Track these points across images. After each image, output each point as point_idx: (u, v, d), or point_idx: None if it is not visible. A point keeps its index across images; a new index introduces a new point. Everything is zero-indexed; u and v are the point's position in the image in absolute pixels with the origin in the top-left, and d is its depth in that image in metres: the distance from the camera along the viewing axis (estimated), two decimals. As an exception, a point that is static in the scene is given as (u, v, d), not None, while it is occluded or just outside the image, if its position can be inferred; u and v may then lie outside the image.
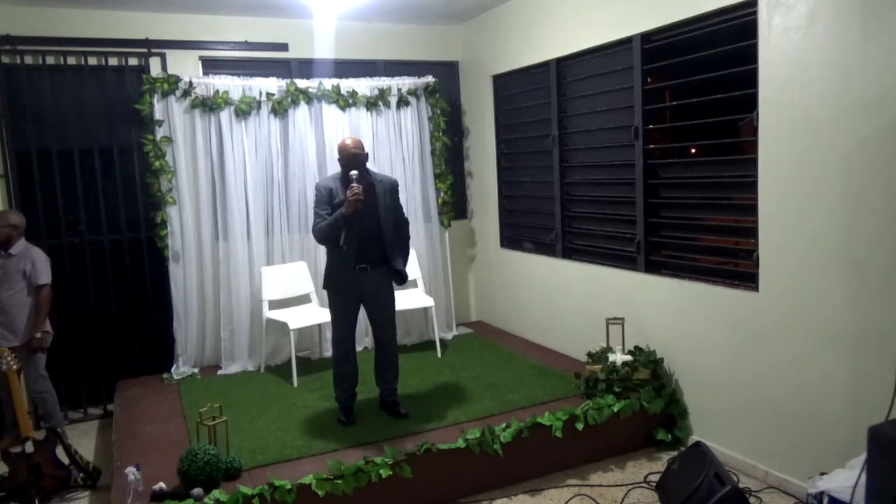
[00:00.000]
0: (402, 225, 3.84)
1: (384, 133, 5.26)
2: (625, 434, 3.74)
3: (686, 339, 3.78)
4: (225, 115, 4.74)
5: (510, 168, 5.45)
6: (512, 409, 3.78)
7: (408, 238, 3.90)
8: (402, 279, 3.78)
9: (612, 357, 3.93)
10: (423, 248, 5.40)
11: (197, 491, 2.94)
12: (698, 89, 3.60)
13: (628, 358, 3.91)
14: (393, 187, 3.77)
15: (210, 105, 4.69)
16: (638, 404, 3.73)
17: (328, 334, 4.15)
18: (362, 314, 3.92)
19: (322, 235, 3.64)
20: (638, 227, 4.05)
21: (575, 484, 3.47)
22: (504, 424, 3.50)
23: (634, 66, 3.93)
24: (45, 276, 3.93)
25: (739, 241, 3.53)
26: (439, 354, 4.95)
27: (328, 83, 5.04)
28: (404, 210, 4.02)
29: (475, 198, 5.92)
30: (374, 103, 5.19)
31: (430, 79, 5.41)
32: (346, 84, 5.11)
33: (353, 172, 3.52)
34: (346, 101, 5.08)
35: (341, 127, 5.07)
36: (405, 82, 5.31)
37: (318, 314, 4.70)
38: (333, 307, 3.78)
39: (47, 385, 4.04)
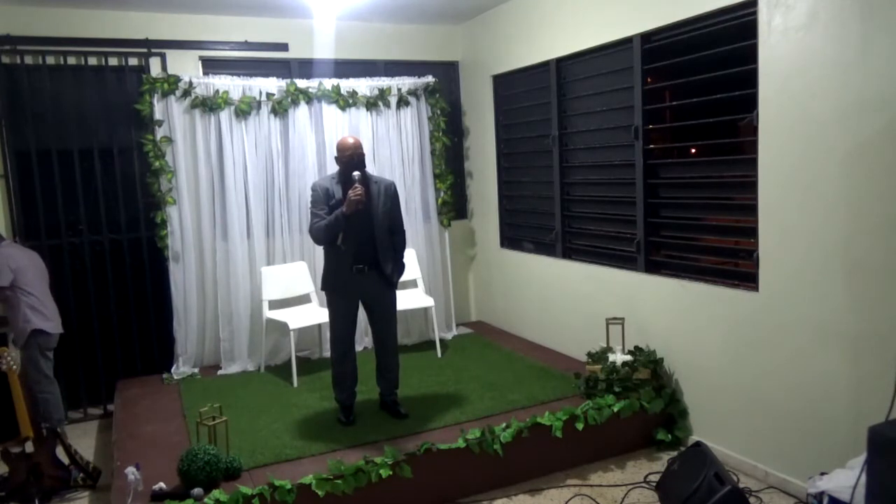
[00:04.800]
0: (397, 235, 3.79)
1: (384, 133, 5.26)
2: (625, 434, 3.74)
3: (686, 340, 3.78)
4: (225, 115, 4.74)
5: (510, 168, 5.45)
6: (512, 409, 3.78)
7: (401, 248, 3.84)
8: (389, 282, 3.75)
9: (612, 357, 3.93)
10: (422, 248, 5.40)
11: (197, 491, 2.94)
12: (698, 89, 3.60)
13: (628, 358, 3.91)
14: (390, 191, 3.74)
15: (210, 105, 4.69)
16: (638, 404, 3.73)
17: (328, 334, 4.16)
18: (361, 314, 3.92)
19: (320, 235, 3.62)
20: (638, 227, 4.05)
21: (575, 484, 3.47)
22: (504, 424, 3.50)
23: (634, 66, 3.93)
24: None
25: (739, 241, 3.53)
26: (439, 354, 4.95)
27: (328, 83, 5.04)
28: (404, 214, 3.99)
29: (475, 198, 5.92)
30: (374, 103, 5.19)
31: (430, 79, 5.41)
32: (346, 84, 5.11)
33: (356, 173, 3.51)
34: (346, 101, 5.08)
35: (341, 127, 5.07)
36: (405, 82, 5.31)
37: (318, 314, 4.70)
38: (332, 307, 3.78)
39: (51, 386, 4.03)
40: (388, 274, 3.70)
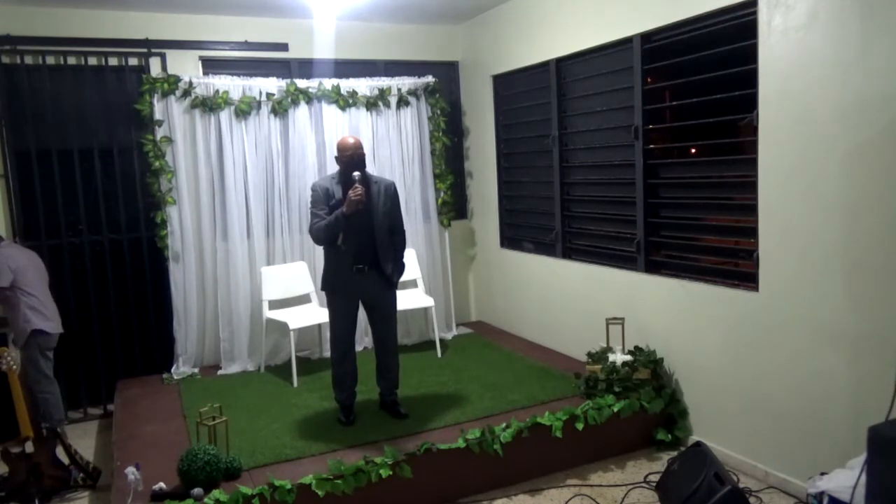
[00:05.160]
0: (397, 235, 3.79)
1: (384, 133, 5.26)
2: (625, 434, 3.74)
3: (686, 339, 3.78)
4: (225, 115, 4.74)
5: (510, 168, 5.45)
6: (512, 409, 3.78)
7: (401, 248, 3.84)
8: (389, 282, 3.75)
9: (612, 357, 3.93)
10: (422, 248, 5.40)
11: (197, 491, 2.94)
12: (698, 89, 3.60)
13: (628, 358, 3.91)
14: (390, 191, 3.74)
15: (210, 105, 4.69)
16: (638, 404, 3.73)
17: (328, 334, 4.16)
18: (362, 314, 3.92)
19: (320, 235, 3.62)
20: (638, 227, 4.05)
21: (575, 484, 3.47)
22: (504, 424, 3.50)
23: (634, 66, 3.93)
24: None
25: (739, 241, 3.53)
26: (439, 354, 4.95)
27: (328, 83, 5.04)
28: (404, 214, 3.99)
29: (475, 198, 5.92)
30: (374, 103, 5.19)
31: (430, 79, 5.41)
32: (346, 84, 5.11)
33: (356, 174, 3.51)
34: (346, 101, 5.08)
35: (341, 127, 5.07)
36: (405, 82, 5.31)
37: (318, 314, 4.70)
38: (333, 308, 3.78)
39: (51, 386, 4.03)
40: (389, 274, 3.71)
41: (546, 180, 4.91)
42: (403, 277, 3.97)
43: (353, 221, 3.55)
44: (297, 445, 3.46)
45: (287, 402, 4.14)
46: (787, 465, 3.25)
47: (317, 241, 3.71)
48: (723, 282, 3.56)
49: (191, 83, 4.66)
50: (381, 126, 5.24)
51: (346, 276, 3.66)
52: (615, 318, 4.10)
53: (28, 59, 4.47)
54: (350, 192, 3.47)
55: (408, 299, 4.88)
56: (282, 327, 4.71)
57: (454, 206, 5.66)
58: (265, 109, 4.87)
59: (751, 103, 3.25)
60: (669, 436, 3.79)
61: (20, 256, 3.98)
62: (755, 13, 3.16)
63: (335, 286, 3.72)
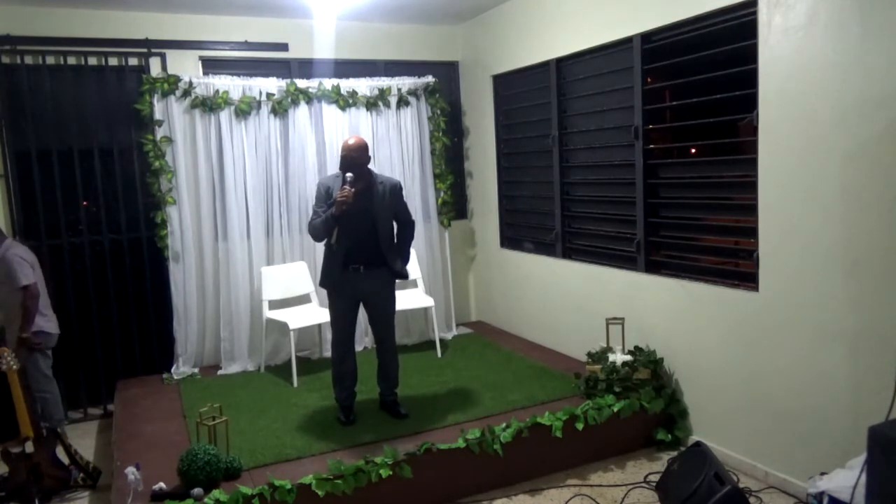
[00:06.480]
0: (406, 227, 3.83)
1: (384, 133, 5.26)
2: (625, 434, 3.74)
3: (686, 339, 3.78)
4: (225, 116, 4.74)
5: (510, 168, 5.45)
6: (512, 409, 3.78)
7: (410, 238, 3.88)
8: (400, 277, 3.79)
9: (612, 357, 3.93)
10: (423, 248, 5.40)
11: (197, 491, 2.94)
12: (698, 89, 3.60)
13: (628, 358, 3.92)
14: (394, 189, 3.76)
15: (210, 105, 4.69)
16: (638, 404, 3.73)
17: (328, 334, 4.16)
18: (362, 314, 3.93)
19: (314, 232, 3.68)
20: (638, 227, 4.05)
21: (575, 484, 3.47)
22: (504, 424, 3.50)
23: (634, 66, 3.93)
24: (23, 278, 3.82)
25: (739, 241, 3.53)
26: (439, 354, 4.95)
27: (328, 83, 5.04)
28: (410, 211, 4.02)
29: (475, 198, 5.93)
30: (374, 103, 5.19)
31: (430, 79, 5.41)
32: (346, 84, 5.11)
33: (349, 175, 3.53)
34: (346, 101, 5.08)
35: (341, 127, 5.08)
36: (405, 82, 5.32)
37: (318, 314, 4.70)
38: (332, 307, 3.79)
39: (50, 385, 4.03)
40: (398, 270, 3.73)
41: (546, 180, 4.91)
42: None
43: (351, 221, 3.56)
44: (297, 445, 3.46)
45: (287, 402, 4.14)
46: (787, 465, 3.26)
47: (313, 237, 3.76)
48: (723, 282, 3.56)
49: (191, 83, 4.66)
50: (381, 126, 5.25)
51: (340, 275, 3.67)
52: (615, 318, 4.10)
53: (28, 59, 4.47)
54: (338, 191, 3.49)
55: (408, 299, 4.88)
56: (282, 327, 4.71)
57: (454, 206, 5.67)
58: (265, 109, 4.87)
59: (751, 103, 3.25)
60: (669, 436, 3.79)
61: (27, 255, 3.99)
62: (755, 13, 3.16)
63: (331, 284, 3.74)
